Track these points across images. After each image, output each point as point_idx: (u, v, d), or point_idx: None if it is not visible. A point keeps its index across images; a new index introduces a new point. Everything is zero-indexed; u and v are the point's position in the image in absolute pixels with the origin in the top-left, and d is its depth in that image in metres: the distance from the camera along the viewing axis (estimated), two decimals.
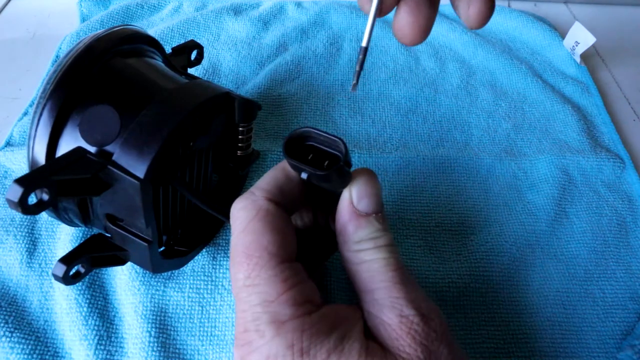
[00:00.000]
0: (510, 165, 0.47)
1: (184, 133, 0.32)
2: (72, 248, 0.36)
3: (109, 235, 0.33)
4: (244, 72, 0.55)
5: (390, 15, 0.26)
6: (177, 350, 0.35)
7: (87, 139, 0.30)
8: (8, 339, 0.35)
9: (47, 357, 0.35)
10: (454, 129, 0.50)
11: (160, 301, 0.37)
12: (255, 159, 0.43)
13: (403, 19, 0.24)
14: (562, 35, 0.61)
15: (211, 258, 0.39)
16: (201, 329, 0.36)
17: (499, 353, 0.36)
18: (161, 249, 0.37)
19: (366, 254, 0.27)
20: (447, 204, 0.44)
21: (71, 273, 0.32)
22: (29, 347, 0.35)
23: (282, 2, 0.64)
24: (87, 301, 0.36)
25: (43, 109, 0.30)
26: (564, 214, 0.44)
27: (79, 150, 0.29)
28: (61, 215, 0.34)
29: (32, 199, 0.26)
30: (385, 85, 0.54)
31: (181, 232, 0.38)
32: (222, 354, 0.35)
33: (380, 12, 0.24)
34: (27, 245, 0.40)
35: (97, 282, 0.38)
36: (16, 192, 0.24)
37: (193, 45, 0.43)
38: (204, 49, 0.45)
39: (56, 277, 0.31)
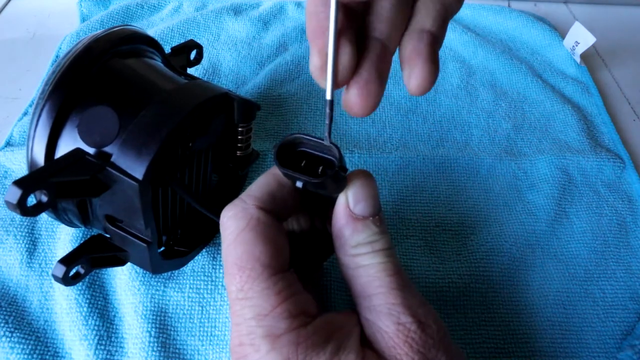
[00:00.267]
0: (510, 165, 0.47)
1: (183, 134, 0.32)
2: (72, 248, 0.36)
3: (109, 236, 0.33)
4: (244, 72, 0.55)
5: None
6: (177, 350, 0.35)
7: (85, 140, 0.30)
8: (8, 339, 0.35)
9: (47, 357, 0.35)
10: (454, 129, 0.50)
11: (160, 301, 0.37)
12: (254, 159, 0.43)
13: (353, 96, 0.24)
14: (562, 35, 0.61)
15: (211, 258, 0.39)
16: (201, 329, 0.36)
17: (499, 353, 0.36)
18: (161, 249, 0.37)
19: (363, 259, 0.27)
20: (447, 204, 0.44)
21: (71, 274, 0.32)
22: (29, 347, 0.35)
23: (282, 2, 0.64)
24: (87, 301, 0.37)
25: (42, 110, 0.30)
26: (564, 214, 0.44)
27: (77, 152, 0.29)
28: (61, 216, 0.34)
29: (32, 200, 0.27)
30: (385, 85, 0.54)
31: (181, 232, 0.38)
32: (222, 354, 0.35)
33: (336, 85, 0.24)
34: (27, 245, 0.40)
35: (97, 282, 0.38)
36: (15, 194, 0.24)
37: (192, 45, 0.43)
38: (204, 49, 0.45)
39: (56, 278, 0.31)
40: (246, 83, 0.54)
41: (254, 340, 0.24)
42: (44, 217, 0.41)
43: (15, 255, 0.39)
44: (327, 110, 0.24)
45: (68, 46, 0.56)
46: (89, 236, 0.39)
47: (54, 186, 0.26)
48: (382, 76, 0.25)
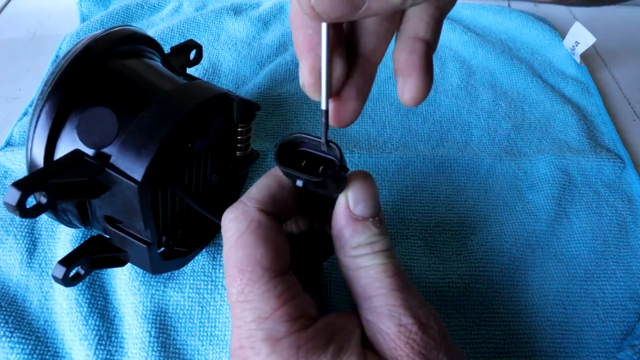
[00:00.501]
0: (510, 165, 0.47)
1: (182, 135, 0.32)
2: (72, 248, 0.36)
3: (108, 237, 0.33)
4: (244, 72, 0.55)
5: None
6: (177, 350, 0.35)
7: (84, 141, 0.30)
8: (8, 339, 0.35)
9: (47, 357, 0.35)
10: (454, 129, 0.50)
11: (160, 301, 0.37)
12: (254, 159, 0.43)
13: (332, 110, 0.26)
14: (562, 35, 0.61)
15: (211, 258, 0.39)
16: (201, 329, 0.36)
17: (499, 353, 0.36)
18: (161, 249, 0.37)
19: (363, 260, 0.27)
20: (447, 204, 0.44)
21: (71, 275, 0.31)
22: (29, 347, 0.35)
23: (282, 2, 0.64)
24: (87, 301, 0.37)
25: (41, 111, 0.30)
26: (564, 214, 0.44)
27: (76, 153, 0.29)
28: (60, 216, 0.34)
29: (32, 201, 0.27)
30: (385, 85, 0.54)
31: (181, 232, 0.38)
32: (222, 354, 0.35)
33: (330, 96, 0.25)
34: (27, 245, 0.40)
35: (97, 282, 0.38)
36: (14, 195, 0.24)
37: (192, 44, 0.43)
38: (204, 49, 0.45)
39: (56, 279, 0.31)
40: (246, 83, 0.54)
41: (255, 343, 0.24)
42: (44, 217, 0.41)
43: (15, 255, 0.39)
44: (323, 120, 0.25)
45: (68, 46, 0.56)
46: (89, 236, 0.39)
47: (53, 188, 0.26)
48: (362, 94, 0.26)
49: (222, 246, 0.40)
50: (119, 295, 0.38)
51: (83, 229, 0.39)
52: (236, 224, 0.26)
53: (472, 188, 0.45)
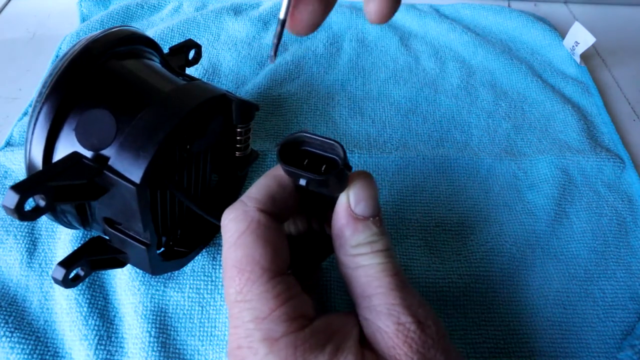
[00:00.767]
0: (510, 165, 0.47)
1: (180, 136, 0.32)
2: (72, 249, 0.36)
3: (108, 238, 0.33)
4: (244, 72, 0.55)
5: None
6: (177, 350, 0.35)
7: (83, 143, 0.30)
8: (8, 339, 0.35)
9: (47, 357, 0.35)
10: (454, 129, 0.50)
11: (160, 301, 0.37)
12: (254, 159, 0.43)
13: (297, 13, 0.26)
14: (562, 35, 0.61)
15: (211, 258, 0.39)
16: (201, 329, 0.36)
17: (499, 353, 0.36)
18: (160, 250, 0.37)
19: (363, 259, 0.27)
20: (447, 204, 0.44)
21: (70, 276, 0.32)
22: (29, 347, 0.35)
23: (282, 2, 0.63)
24: (87, 301, 0.37)
25: (39, 112, 0.30)
26: (564, 214, 0.44)
27: (75, 156, 0.29)
28: (60, 218, 0.34)
29: (31, 203, 0.27)
30: (385, 85, 0.54)
31: (180, 233, 0.38)
32: (222, 354, 0.35)
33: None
34: (27, 246, 0.40)
35: (97, 282, 0.38)
36: (12, 198, 0.24)
37: (190, 44, 0.43)
38: (204, 49, 0.45)
39: (56, 281, 0.31)
40: (246, 83, 0.54)
41: (252, 343, 0.24)
42: (44, 217, 0.41)
43: (15, 255, 0.39)
44: (278, 28, 0.24)
45: (68, 46, 0.56)
46: (89, 236, 0.39)
47: (51, 190, 0.26)
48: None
49: (222, 246, 0.40)
50: (119, 295, 0.38)
51: (82, 230, 0.39)
52: (236, 224, 0.26)
53: (472, 188, 0.45)
